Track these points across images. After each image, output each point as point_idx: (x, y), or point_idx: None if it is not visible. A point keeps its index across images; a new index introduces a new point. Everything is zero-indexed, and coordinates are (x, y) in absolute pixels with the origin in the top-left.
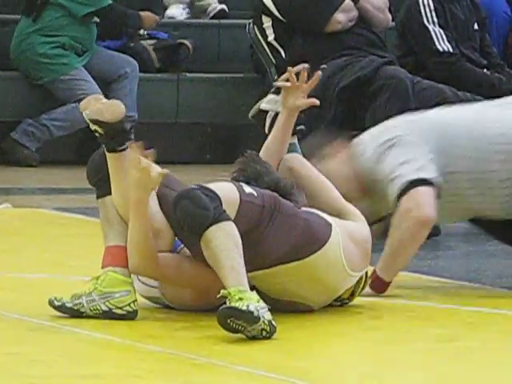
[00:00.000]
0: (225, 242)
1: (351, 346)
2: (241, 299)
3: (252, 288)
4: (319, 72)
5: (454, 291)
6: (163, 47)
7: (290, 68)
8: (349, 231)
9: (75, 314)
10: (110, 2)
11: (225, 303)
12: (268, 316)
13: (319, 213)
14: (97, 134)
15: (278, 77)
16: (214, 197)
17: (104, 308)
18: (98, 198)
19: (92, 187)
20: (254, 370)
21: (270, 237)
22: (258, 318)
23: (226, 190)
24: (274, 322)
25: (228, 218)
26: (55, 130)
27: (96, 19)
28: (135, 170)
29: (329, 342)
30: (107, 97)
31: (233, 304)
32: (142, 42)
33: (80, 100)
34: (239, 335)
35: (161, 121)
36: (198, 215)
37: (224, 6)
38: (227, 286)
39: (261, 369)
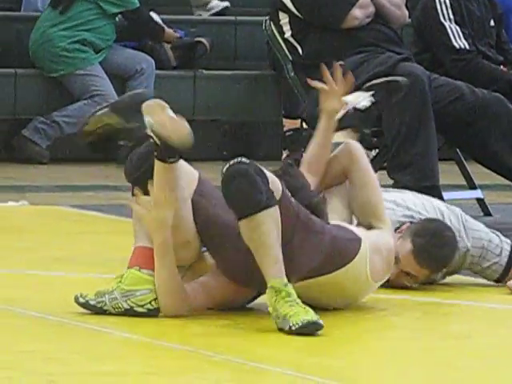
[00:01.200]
0: (272, 229)
1: (372, 344)
2: (289, 296)
3: None
4: (352, 78)
5: (472, 288)
6: (180, 46)
7: (323, 66)
8: (376, 244)
9: (98, 311)
10: (138, 5)
11: (254, 297)
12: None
13: (348, 226)
14: (151, 140)
15: (295, 73)
16: (264, 177)
17: (126, 306)
18: (133, 195)
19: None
20: (270, 367)
21: (297, 249)
22: (321, 326)
23: (273, 177)
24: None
25: (276, 203)
26: (66, 126)
27: (117, 20)
28: (147, 213)
29: (348, 339)
30: (123, 93)
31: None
32: None
33: (92, 96)
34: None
35: None
36: (253, 198)
37: (227, 4)
38: (270, 276)
39: (277, 366)
